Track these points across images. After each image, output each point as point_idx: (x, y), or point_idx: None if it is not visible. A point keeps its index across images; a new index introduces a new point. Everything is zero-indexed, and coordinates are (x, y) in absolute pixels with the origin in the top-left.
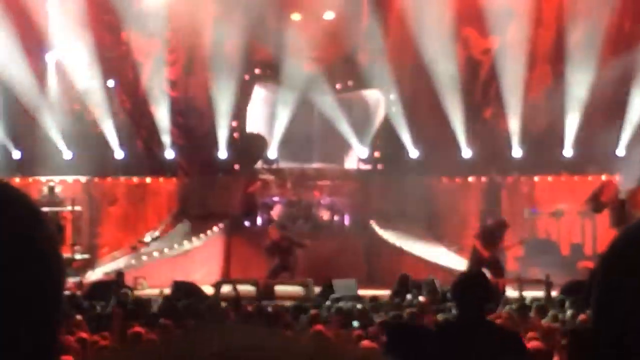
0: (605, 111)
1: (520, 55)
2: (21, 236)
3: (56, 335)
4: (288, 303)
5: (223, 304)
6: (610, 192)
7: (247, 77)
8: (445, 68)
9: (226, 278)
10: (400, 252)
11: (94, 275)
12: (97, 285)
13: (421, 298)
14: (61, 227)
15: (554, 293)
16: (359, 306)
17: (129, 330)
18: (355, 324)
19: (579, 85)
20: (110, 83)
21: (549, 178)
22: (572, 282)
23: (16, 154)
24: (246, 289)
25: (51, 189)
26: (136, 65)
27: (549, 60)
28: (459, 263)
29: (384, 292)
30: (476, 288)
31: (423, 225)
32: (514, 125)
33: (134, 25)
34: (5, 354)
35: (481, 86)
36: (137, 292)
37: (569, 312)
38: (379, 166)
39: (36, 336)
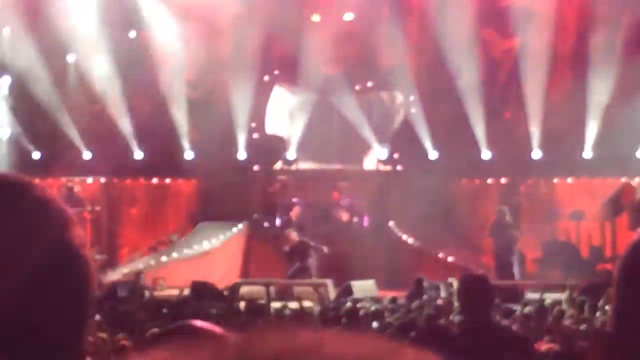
0: (626, 114)
1: (540, 56)
2: (54, 238)
3: (83, 336)
4: (307, 304)
5: (242, 305)
6: (629, 195)
7: (266, 77)
8: (465, 69)
9: (245, 279)
10: (419, 253)
11: (113, 275)
12: (117, 286)
13: (439, 301)
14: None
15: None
16: (377, 307)
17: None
18: (375, 324)
19: (600, 87)
20: (130, 83)
21: (569, 180)
22: (592, 284)
23: (36, 155)
24: (264, 290)
25: (70, 189)
26: (155, 66)
27: (569, 62)
28: (477, 264)
29: (404, 294)
30: (479, 290)
31: (442, 227)
32: (534, 127)
33: (153, 25)
34: (35, 353)
35: (501, 88)
36: (157, 293)
37: (587, 315)
38: (398, 167)
39: (65, 336)
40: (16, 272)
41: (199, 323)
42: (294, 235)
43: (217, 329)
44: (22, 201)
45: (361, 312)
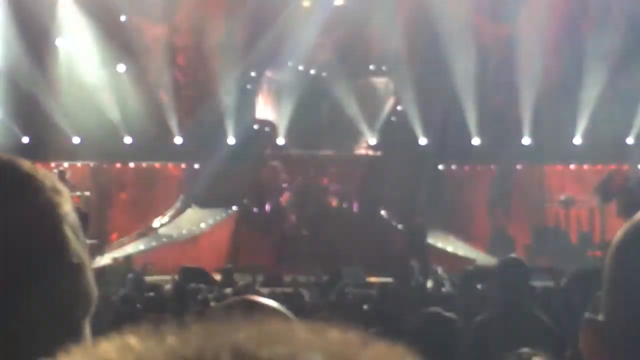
0: (617, 100)
1: (532, 42)
2: (49, 221)
3: (80, 322)
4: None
5: (228, 290)
6: (619, 182)
7: (256, 62)
8: (456, 55)
9: (234, 265)
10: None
11: (102, 260)
12: (106, 270)
13: (429, 284)
14: (85, 215)
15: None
16: (367, 292)
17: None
18: (366, 307)
19: (591, 74)
20: (120, 68)
21: (558, 167)
22: (581, 270)
23: (25, 139)
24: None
25: (61, 173)
26: (145, 50)
27: (561, 49)
28: (467, 251)
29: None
30: (518, 274)
31: (431, 212)
32: (524, 113)
33: (144, 9)
34: (28, 341)
35: (492, 74)
36: (147, 278)
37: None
38: (388, 153)
39: (59, 322)
40: (4, 251)
41: (257, 298)
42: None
43: (276, 304)
44: (11, 179)
45: (349, 297)
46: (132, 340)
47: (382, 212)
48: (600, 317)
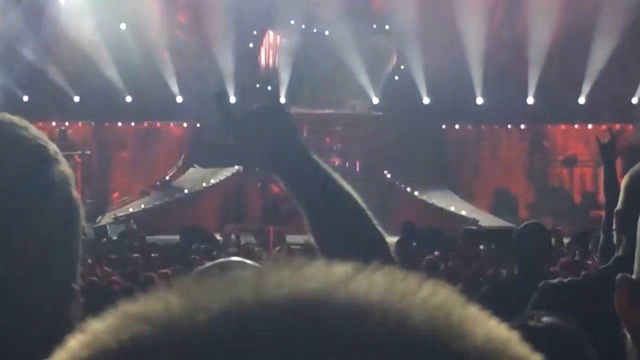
0: (622, 61)
1: (536, 2)
2: (39, 174)
3: (75, 276)
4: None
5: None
6: (622, 141)
7: (259, 21)
8: (459, 14)
9: (236, 224)
10: (412, 198)
11: (104, 219)
12: (108, 229)
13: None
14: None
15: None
16: None
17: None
18: None
19: (598, 35)
20: (122, 26)
21: (562, 126)
22: (584, 230)
23: (25, 98)
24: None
25: (63, 132)
26: (147, 7)
27: (566, 8)
28: (470, 211)
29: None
30: (538, 239)
31: (435, 173)
32: (529, 73)
33: None
34: (27, 294)
35: (495, 34)
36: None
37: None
38: (391, 112)
39: (56, 275)
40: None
41: (240, 260)
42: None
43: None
44: (8, 138)
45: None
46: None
47: (385, 172)
48: (634, 276)
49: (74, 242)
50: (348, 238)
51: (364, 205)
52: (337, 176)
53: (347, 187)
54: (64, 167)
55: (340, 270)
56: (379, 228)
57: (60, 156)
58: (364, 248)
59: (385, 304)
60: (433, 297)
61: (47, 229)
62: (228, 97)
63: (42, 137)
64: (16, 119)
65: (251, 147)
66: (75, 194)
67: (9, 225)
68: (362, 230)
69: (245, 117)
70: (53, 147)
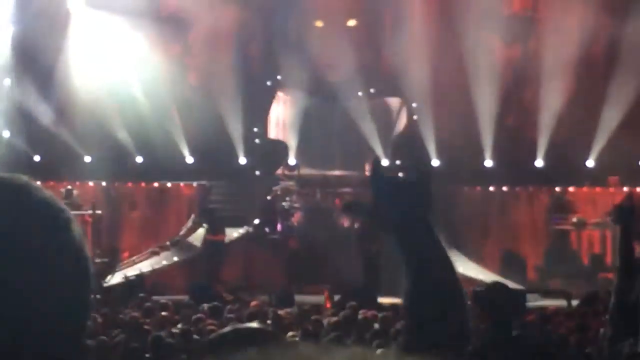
0: (630, 122)
1: (545, 63)
2: (51, 235)
3: (83, 335)
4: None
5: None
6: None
7: (269, 83)
8: (468, 76)
9: (245, 284)
10: None
11: (113, 279)
12: (117, 289)
13: None
14: (116, 250)
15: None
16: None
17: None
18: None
19: (605, 95)
20: (133, 87)
21: (570, 188)
22: (593, 293)
23: (36, 158)
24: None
25: (68, 192)
26: (157, 68)
27: (575, 70)
28: (479, 273)
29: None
30: (505, 300)
31: (444, 234)
32: (538, 135)
33: (156, 27)
34: (36, 354)
35: (504, 95)
36: (155, 297)
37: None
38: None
39: (66, 335)
40: (18, 272)
41: (254, 325)
42: (295, 242)
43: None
44: (23, 201)
45: (360, 317)
46: None
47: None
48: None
49: (87, 299)
50: (444, 298)
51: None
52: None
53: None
54: (77, 227)
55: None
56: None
57: (73, 216)
58: (454, 306)
59: None
60: None
61: (63, 286)
62: (382, 165)
63: (55, 198)
64: (30, 180)
65: (392, 209)
66: (87, 252)
67: (26, 282)
68: (454, 289)
69: (399, 183)
70: (67, 208)
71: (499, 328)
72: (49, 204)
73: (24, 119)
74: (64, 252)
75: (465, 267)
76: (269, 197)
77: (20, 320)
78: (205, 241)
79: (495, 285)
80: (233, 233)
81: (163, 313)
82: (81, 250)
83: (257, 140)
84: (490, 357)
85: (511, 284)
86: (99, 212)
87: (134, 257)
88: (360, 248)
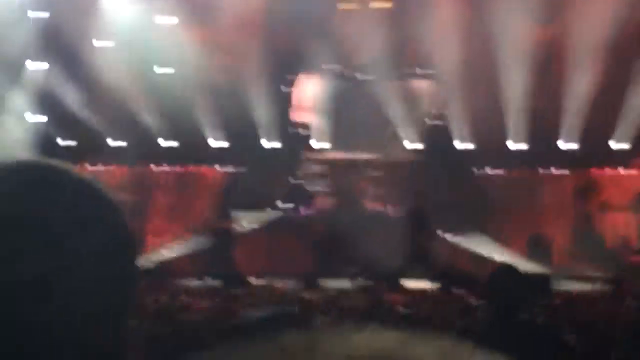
0: None
1: (575, 44)
2: (102, 221)
3: (127, 322)
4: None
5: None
6: None
7: (295, 65)
8: (499, 57)
9: (269, 269)
10: (448, 244)
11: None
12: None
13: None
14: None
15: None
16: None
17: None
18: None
19: (634, 76)
20: (157, 69)
21: (597, 170)
22: (619, 276)
23: (60, 142)
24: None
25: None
26: (187, 50)
27: (605, 51)
28: (502, 255)
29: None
30: (510, 283)
31: (472, 218)
32: (567, 117)
33: (183, 9)
34: (82, 339)
35: (534, 76)
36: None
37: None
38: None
39: (114, 322)
40: (73, 259)
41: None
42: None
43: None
44: (77, 187)
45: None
46: None
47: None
48: None
49: (133, 282)
50: None
51: None
52: None
53: None
54: (121, 209)
55: (393, 336)
56: None
57: (116, 198)
58: None
59: None
60: None
61: (110, 268)
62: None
63: (97, 180)
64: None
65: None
66: (134, 235)
67: (72, 264)
68: None
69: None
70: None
71: (501, 311)
72: (92, 186)
73: (50, 103)
74: (119, 237)
75: (490, 250)
76: (294, 181)
77: (71, 307)
78: (216, 229)
79: (504, 267)
80: (258, 217)
81: (187, 297)
82: (129, 233)
83: (283, 123)
84: (482, 338)
85: (537, 268)
86: (124, 196)
87: (160, 242)
88: (410, 232)
